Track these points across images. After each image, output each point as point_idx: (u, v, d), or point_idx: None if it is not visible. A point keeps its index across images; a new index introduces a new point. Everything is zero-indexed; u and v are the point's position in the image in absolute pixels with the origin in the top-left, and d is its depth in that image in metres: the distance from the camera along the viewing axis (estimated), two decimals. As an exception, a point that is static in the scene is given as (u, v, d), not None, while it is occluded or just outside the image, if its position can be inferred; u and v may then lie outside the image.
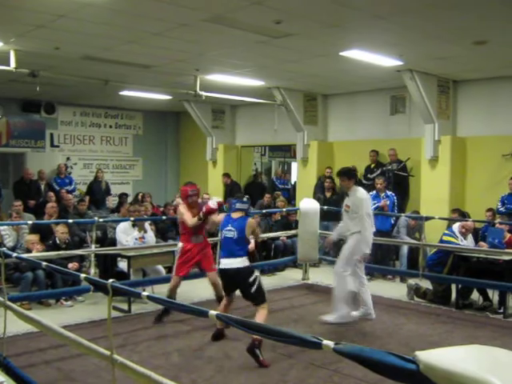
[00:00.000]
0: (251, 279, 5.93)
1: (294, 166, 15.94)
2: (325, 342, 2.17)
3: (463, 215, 9.67)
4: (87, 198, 13.38)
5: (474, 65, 9.71)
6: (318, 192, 12.23)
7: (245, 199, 6.51)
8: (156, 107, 16.42)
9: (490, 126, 10.75)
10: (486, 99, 10.90)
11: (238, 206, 6.28)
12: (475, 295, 8.31)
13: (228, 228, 6.13)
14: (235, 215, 6.21)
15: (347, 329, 7.07)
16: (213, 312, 2.65)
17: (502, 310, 7.85)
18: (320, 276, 10.09)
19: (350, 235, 7.29)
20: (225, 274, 6.21)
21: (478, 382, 1.57)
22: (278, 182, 15.80)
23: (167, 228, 10.72)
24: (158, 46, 8.60)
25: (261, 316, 5.90)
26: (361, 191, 7.28)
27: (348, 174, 7.34)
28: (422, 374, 1.73)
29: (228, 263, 6.08)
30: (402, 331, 7.01)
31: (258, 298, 5.97)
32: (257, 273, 6.05)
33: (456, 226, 8.55)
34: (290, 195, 14.65)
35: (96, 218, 8.48)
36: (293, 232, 10.44)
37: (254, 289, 5.93)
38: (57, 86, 12.11)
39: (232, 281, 6.15)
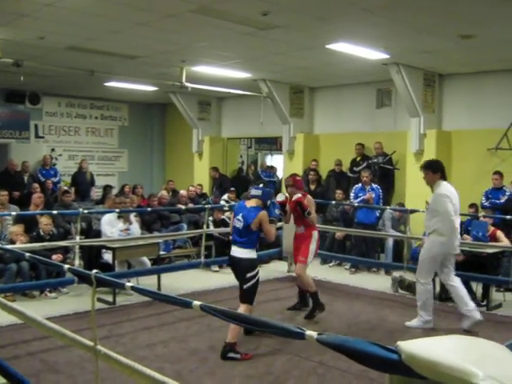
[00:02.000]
0: (249, 275, 5.78)
1: (279, 158, 15.93)
2: (308, 332, 2.17)
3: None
4: (73, 190, 13.28)
5: (460, 59, 9.75)
6: (303, 184, 12.22)
7: (260, 185, 6.32)
8: (142, 99, 16.33)
9: (475, 120, 10.81)
10: (471, 93, 10.95)
11: (253, 192, 6.07)
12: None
13: (238, 217, 5.91)
14: (249, 203, 5.95)
15: (331, 321, 7.11)
16: (196, 303, 2.65)
17: (485, 303, 7.92)
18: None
19: (427, 235, 6.83)
20: (230, 260, 6.08)
21: (460, 372, 1.59)
22: (263, 175, 15.78)
23: (152, 220, 10.69)
24: (144, 37, 8.54)
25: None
26: (443, 187, 6.59)
27: (432, 166, 6.69)
28: (405, 363, 1.74)
29: (233, 250, 5.95)
30: (386, 323, 7.07)
31: (246, 296, 5.83)
32: (258, 272, 5.88)
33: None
34: (276, 188, 14.65)
35: (81, 210, 8.42)
36: (278, 224, 10.42)
37: (246, 286, 5.78)
38: (41, 77, 12.01)
39: (233, 269, 6.04)
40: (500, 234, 8.30)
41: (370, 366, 1.94)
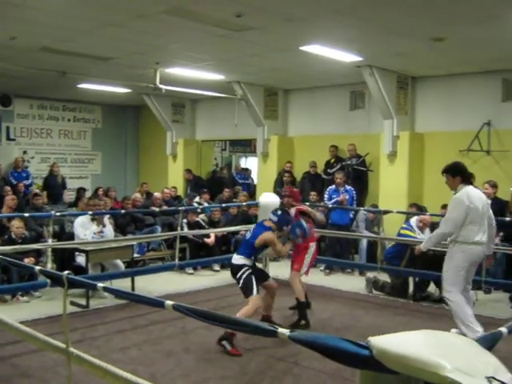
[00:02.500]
0: (238, 275, 6.15)
1: (254, 160, 15.96)
2: (280, 330, 2.17)
3: (421, 209, 9.84)
4: (45, 193, 13.13)
5: (432, 61, 9.86)
6: (278, 186, 12.28)
7: (278, 212, 6.57)
8: (115, 101, 16.22)
9: (448, 122, 10.94)
10: (443, 95, 11.08)
11: (270, 216, 6.50)
12: (432, 287, 8.44)
13: (250, 229, 6.54)
14: (266, 223, 6.45)
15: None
16: (169, 302, 2.63)
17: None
18: (280, 270, 10.08)
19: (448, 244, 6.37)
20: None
21: (428, 365, 1.60)
22: (238, 177, 15.79)
23: (126, 222, 10.61)
24: (117, 38, 8.50)
25: (244, 309, 6.01)
26: (462, 191, 6.06)
27: (450, 170, 6.18)
28: (376, 359, 1.75)
29: (233, 258, 6.36)
30: (361, 323, 7.10)
31: (245, 291, 6.12)
32: (244, 270, 6.16)
33: (414, 220, 8.68)
34: (251, 190, 14.66)
35: (53, 212, 8.33)
36: (253, 226, 10.42)
37: (241, 283, 6.13)
38: (13, 78, 11.88)
39: (232, 275, 6.35)
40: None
41: (341, 362, 1.95)
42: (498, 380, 1.54)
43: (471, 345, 1.78)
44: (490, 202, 6.48)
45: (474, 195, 6.07)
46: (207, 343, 6.10)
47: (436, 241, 6.42)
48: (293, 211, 7.15)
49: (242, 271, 6.15)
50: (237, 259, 6.25)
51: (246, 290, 6.12)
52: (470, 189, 6.09)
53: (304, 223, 6.85)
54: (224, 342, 5.79)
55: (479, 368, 1.58)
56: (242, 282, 6.12)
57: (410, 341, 1.75)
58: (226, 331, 5.75)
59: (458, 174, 6.12)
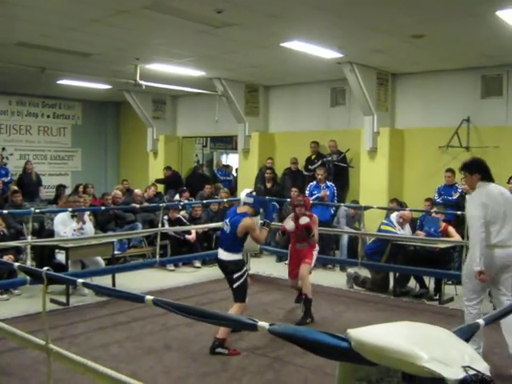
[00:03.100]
0: (236, 276, 5.91)
1: (235, 157, 15.95)
2: (260, 323, 2.18)
3: (401, 205, 9.91)
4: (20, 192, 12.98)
5: (412, 58, 9.92)
6: (259, 182, 12.30)
7: (253, 193, 6.45)
8: (95, 97, 16.11)
9: (427, 119, 11.03)
10: (423, 92, 11.16)
11: (245, 199, 6.29)
12: (412, 283, 8.52)
13: (226, 221, 6.10)
14: (240, 209, 6.15)
15: (287, 318, 7.15)
16: (149, 297, 2.63)
17: (437, 297, 8.08)
18: (261, 266, 10.15)
19: None
20: (217, 262, 6.27)
21: (405, 355, 1.62)
22: (219, 174, 15.78)
23: (106, 219, 10.55)
24: (98, 34, 8.43)
25: (232, 310, 5.88)
26: (480, 189, 5.42)
27: (468, 167, 5.57)
28: (354, 351, 1.77)
29: (219, 252, 6.11)
30: (341, 319, 7.14)
31: (236, 295, 5.97)
32: (245, 271, 6.03)
33: (394, 216, 8.73)
34: (232, 186, 14.65)
35: (32, 209, 8.25)
36: (227, 219, 10.41)
37: (236, 285, 5.92)
38: (-9, 74, 11.75)
39: (222, 271, 6.17)
40: (451, 229, 8.47)
41: (321, 354, 1.96)
42: (473, 369, 1.56)
43: (448, 335, 1.80)
44: None
45: (493, 193, 5.36)
46: (188, 340, 6.10)
47: (477, 249, 5.18)
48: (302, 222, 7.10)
49: (240, 273, 5.93)
50: (227, 255, 5.98)
51: (240, 294, 5.95)
52: (489, 186, 5.40)
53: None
54: (219, 350, 5.65)
55: (455, 358, 1.60)
56: (238, 284, 5.91)
57: (387, 332, 1.76)
58: (214, 339, 5.66)
59: (476, 171, 5.44)
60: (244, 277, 5.94)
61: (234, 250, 5.99)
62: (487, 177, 5.49)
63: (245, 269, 6.04)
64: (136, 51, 9.64)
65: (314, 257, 7.25)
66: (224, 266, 6.06)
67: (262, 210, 6.39)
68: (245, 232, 5.96)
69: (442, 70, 10.73)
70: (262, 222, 6.39)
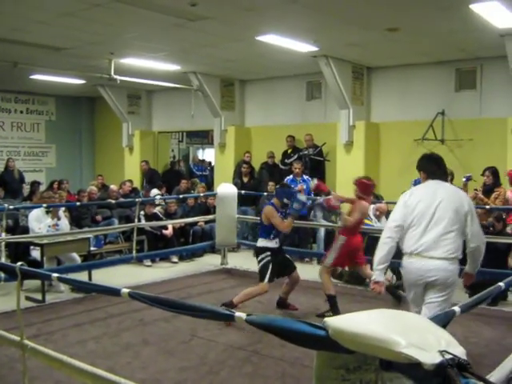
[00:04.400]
0: (259, 258, 6.61)
1: (211, 152, 15.90)
2: (237, 314, 2.17)
3: (377, 198, 9.96)
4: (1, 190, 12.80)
5: (387, 52, 9.97)
6: (236, 177, 12.29)
7: (282, 186, 7.03)
8: (69, 92, 15.93)
9: (402, 112, 11.11)
10: (398, 86, 11.24)
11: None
12: (389, 274, 8.56)
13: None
14: (273, 200, 6.80)
15: (265, 311, 7.14)
16: (125, 290, 2.60)
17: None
18: (238, 260, 10.14)
19: None
20: None
21: (383, 341, 1.62)
22: (195, 169, 15.73)
23: (82, 215, 10.45)
24: (71, 27, 8.32)
25: (250, 289, 6.62)
26: (414, 188, 5.18)
27: (417, 165, 4.99)
28: (331, 339, 1.77)
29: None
30: (319, 311, 7.14)
31: (259, 274, 6.60)
32: (266, 255, 6.54)
33: (370, 209, 8.77)
34: (208, 181, 14.62)
35: (5, 205, 8.15)
36: (210, 217, 10.42)
37: (258, 266, 6.61)
38: (-38, 69, 11.54)
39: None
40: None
41: (298, 343, 1.96)
42: (450, 353, 1.57)
43: (424, 321, 1.81)
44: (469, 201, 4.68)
45: (422, 192, 4.70)
46: (166, 335, 6.07)
47: (380, 252, 4.65)
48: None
49: (262, 256, 6.57)
50: (258, 242, 6.69)
51: (260, 275, 6.55)
52: (424, 185, 4.82)
53: (302, 198, 6.68)
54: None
55: (432, 342, 1.61)
56: (259, 266, 6.56)
57: (364, 319, 1.77)
58: (229, 301, 6.40)
59: (421, 169, 4.91)
60: (265, 259, 6.52)
61: (262, 236, 6.66)
62: (433, 175, 4.75)
63: (268, 253, 6.54)
64: (110, 45, 9.55)
65: (332, 253, 6.95)
66: (255, 250, 6.92)
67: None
68: (267, 219, 6.53)
69: (416, 64, 10.81)
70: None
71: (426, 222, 4.43)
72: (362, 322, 1.73)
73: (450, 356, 1.55)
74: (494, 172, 8.96)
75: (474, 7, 6.95)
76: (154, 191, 12.44)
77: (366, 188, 7.02)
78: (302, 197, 6.77)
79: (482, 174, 9.00)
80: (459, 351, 1.60)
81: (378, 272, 4.60)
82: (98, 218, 10.46)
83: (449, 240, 4.36)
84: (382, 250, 4.57)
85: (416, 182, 9.95)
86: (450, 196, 4.54)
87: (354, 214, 6.89)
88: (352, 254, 7.00)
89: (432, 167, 4.82)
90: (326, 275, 7.00)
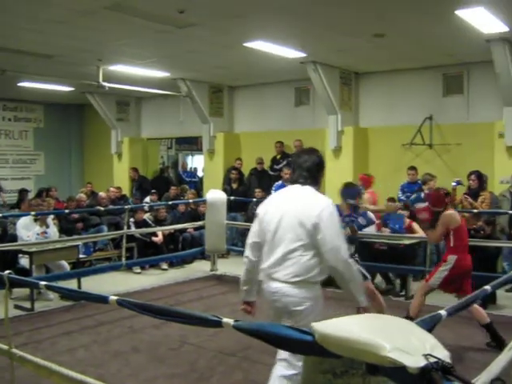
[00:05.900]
0: None
1: (200, 159, 15.90)
2: (224, 319, 2.18)
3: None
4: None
5: (374, 57, 10.02)
6: (226, 183, 12.30)
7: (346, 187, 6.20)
8: (58, 99, 15.86)
9: (390, 117, 11.17)
10: (386, 91, 11.30)
11: None
12: (378, 279, 8.59)
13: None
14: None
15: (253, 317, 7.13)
16: (113, 297, 2.60)
17: (403, 293, 8.19)
18: (228, 267, 10.12)
19: None
20: None
21: (368, 345, 1.63)
22: (184, 176, 15.72)
23: (71, 223, 10.42)
24: (59, 35, 8.31)
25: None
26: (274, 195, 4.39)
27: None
28: (318, 343, 1.78)
29: None
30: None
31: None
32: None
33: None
34: (198, 188, 14.61)
35: (-6, 214, 8.12)
36: (200, 223, 10.41)
37: None
38: (-51, 77, 11.47)
39: None
40: (415, 225, 8.56)
41: (286, 348, 1.97)
42: (434, 357, 1.58)
43: (409, 325, 1.83)
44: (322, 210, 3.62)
45: (277, 201, 3.88)
46: (156, 342, 6.07)
47: (244, 276, 4.06)
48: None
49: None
50: None
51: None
52: (282, 191, 4.02)
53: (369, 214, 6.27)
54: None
55: (417, 346, 1.62)
56: None
57: (350, 324, 1.78)
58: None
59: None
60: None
61: None
62: (295, 177, 3.89)
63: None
64: (98, 52, 9.54)
65: (438, 274, 5.84)
66: None
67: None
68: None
69: (404, 69, 10.88)
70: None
71: (270, 238, 3.70)
72: (347, 327, 1.74)
73: (435, 359, 1.57)
74: (478, 176, 9.04)
75: (459, 13, 7.00)
76: (148, 199, 12.42)
77: (435, 200, 6.01)
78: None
79: (468, 178, 9.07)
80: (444, 354, 1.61)
81: (243, 293, 4.08)
82: (79, 225, 10.41)
83: (292, 260, 3.58)
84: (243, 272, 3.98)
85: (404, 187, 10.06)
86: (298, 205, 3.67)
87: (440, 227, 5.87)
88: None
89: (295, 166, 3.95)
90: (421, 295, 6.01)
